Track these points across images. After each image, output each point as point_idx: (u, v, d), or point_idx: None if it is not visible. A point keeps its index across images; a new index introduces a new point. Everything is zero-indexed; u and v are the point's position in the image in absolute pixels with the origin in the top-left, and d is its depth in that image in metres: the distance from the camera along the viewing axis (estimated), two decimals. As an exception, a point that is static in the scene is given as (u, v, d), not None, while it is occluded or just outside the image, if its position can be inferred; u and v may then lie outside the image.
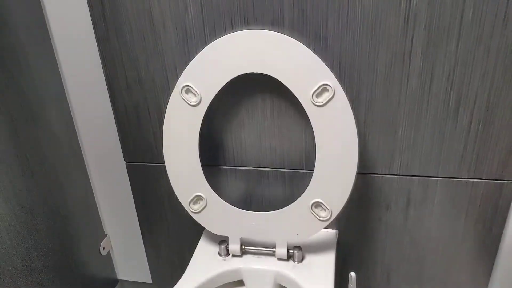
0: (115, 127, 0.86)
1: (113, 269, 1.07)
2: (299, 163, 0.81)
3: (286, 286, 0.77)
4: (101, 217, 0.99)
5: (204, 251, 0.83)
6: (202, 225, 0.79)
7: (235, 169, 0.84)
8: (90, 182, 0.94)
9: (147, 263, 1.04)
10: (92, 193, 0.95)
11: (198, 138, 0.73)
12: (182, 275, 0.78)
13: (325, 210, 0.73)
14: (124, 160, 0.89)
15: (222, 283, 0.79)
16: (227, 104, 0.78)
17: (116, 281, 1.10)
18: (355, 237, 0.87)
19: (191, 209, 0.78)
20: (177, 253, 1.00)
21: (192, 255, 0.82)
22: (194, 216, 0.79)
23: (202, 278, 0.76)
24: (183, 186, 0.77)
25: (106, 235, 1.02)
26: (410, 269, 0.88)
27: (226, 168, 0.84)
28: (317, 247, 0.81)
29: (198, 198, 0.77)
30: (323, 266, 0.77)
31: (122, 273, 1.09)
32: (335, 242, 0.83)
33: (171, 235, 0.97)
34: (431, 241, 0.83)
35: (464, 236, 0.82)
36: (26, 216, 0.76)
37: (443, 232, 0.82)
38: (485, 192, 0.77)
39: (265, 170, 0.83)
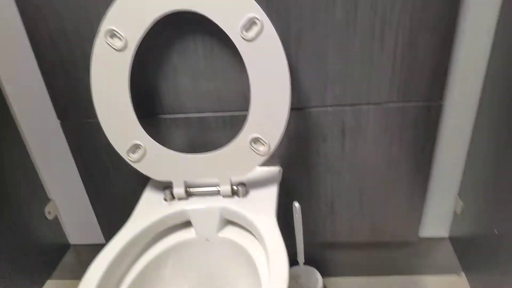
0: (44, 85, 0.82)
1: (63, 234, 1.06)
2: (239, 104, 0.82)
3: (233, 220, 0.80)
4: (42, 182, 0.96)
5: (149, 198, 0.83)
6: (143, 173, 0.79)
7: (174, 117, 0.83)
8: (26, 146, 0.90)
9: (97, 224, 1.03)
10: (29, 156, 0.92)
11: (128, 85, 0.71)
12: None
13: (264, 145, 0.74)
14: (58, 119, 0.85)
15: (167, 226, 0.80)
16: (157, 48, 0.76)
17: (67, 245, 1.08)
18: (297, 172, 0.90)
19: (130, 158, 0.78)
20: (127, 210, 0.99)
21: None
22: (134, 165, 0.78)
23: (146, 222, 0.76)
24: (119, 135, 0.76)
25: (50, 200, 0.99)
26: (351, 196, 0.93)
27: (165, 117, 0.83)
28: (261, 183, 0.83)
29: (136, 147, 0.77)
30: (266, 199, 0.80)
31: (73, 237, 1.07)
32: (278, 178, 0.86)
33: (118, 192, 0.96)
34: (368, 167, 0.88)
35: (399, 160, 0.87)
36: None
37: (379, 158, 0.87)
38: (415, 114, 0.82)
39: (205, 116, 0.83)
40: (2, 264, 0.82)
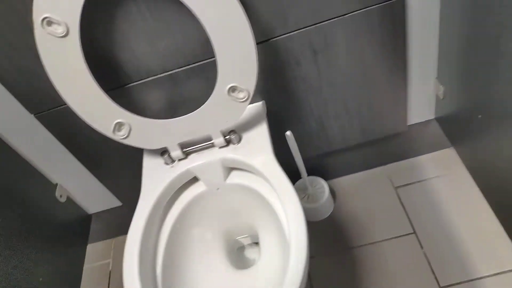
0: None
1: (81, 209, 1.12)
2: (203, 52, 0.79)
3: (235, 167, 0.84)
4: (41, 172, 0.98)
5: (151, 166, 0.86)
6: (135, 146, 0.81)
7: (144, 82, 0.82)
8: (11, 147, 0.91)
9: (109, 192, 1.08)
10: (18, 155, 0.93)
11: (87, 68, 0.69)
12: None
13: (242, 91, 0.74)
14: (31, 114, 0.84)
15: (178, 187, 0.84)
16: (101, 23, 0.71)
17: (89, 216, 1.15)
18: (280, 102, 0.91)
19: (118, 136, 0.78)
20: (130, 169, 1.02)
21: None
22: (124, 142, 0.80)
23: (158, 190, 0.81)
24: (98, 119, 0.75)
25: (56, 184, 1.03)
26: (337, 108, 0.95)
27: (136, 85, 0.82)
28: (250, 123, 0.85)
29: (119, 125, 0.77)
30: (259, 138, 0.83)
31: (92, 208, 1.14)
32: (264, 113, 0.87)
33: (116, 157, 0.97)
34: (346, 79, 0.89)
35: (375, 64, 0.87)
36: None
37: (355, 67, 0.87)
38: (380, 16, 0.79)
39: (173, 73, 0.81)
40: (43, 253, 0.89)
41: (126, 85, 0.82)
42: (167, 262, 0.80)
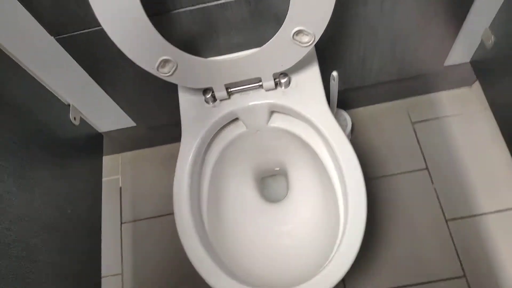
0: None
1: (93, 128, 1.04)
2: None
3: (282, 112, 0.79)
4: (54, 93, 0.88)
5: (190, 104, 0.79)
6: (179, 84, 0.73)
7: (190, 10, 0.70)
8: (26, 70, 0.79)
9: (122, 112, 1.01)
10: (33, 79, 0.81)
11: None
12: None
13: (308, 35, 0.66)
14: (51, 36, 0.71)
15: (219, 127, 0.80)
16: None
17: (101, 135, 1.09)
18: (329, 39, 0.82)
19: (162, 73, 0.70)
20: (148, 93, 0.95)
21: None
22: (168, 79, 0.71)
23: (202, 132, 0.76)
24: (143, 54, 0.66)
25: (69, 105, 0.93)
26: (385, 47, 0.89)
27: (180, 12, 0.70)
28: (300, 65, 0.77)
29: (165, 61, 0.68)
30: (311, 82, 0.77)
31: (104, 127, 1.07)
32: (314, 52, 0.80)
33: (137, 81, 0.89)
34: (406, 17, 0.81)
35: (439, 3, 0.79)
36: None
37: (416, 12, 0.79)
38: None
39: (223, 2, 0.69)
40: (61, 175, 0.85)
41: (169, 11, 0.69)
42: (210, 199, 0.80)
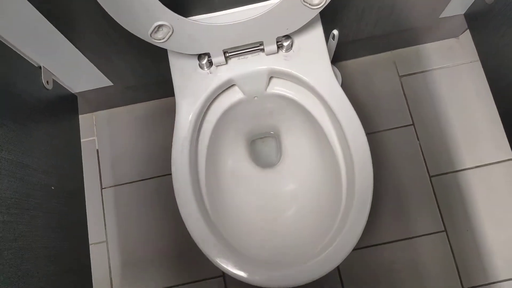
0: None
1: (66, 90, 0.94)
2: None
3: (283, 78, 0.74)
4: (22, 54, 0.77)
5: (183, 69, 0.71)
6: (174, 50, 0.65)
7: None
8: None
9: (99, 72, 0.91)
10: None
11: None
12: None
13: (319, -4, 0.60)
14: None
15: (215, 96, 0.74)
16: None
17: (74, 96, 0.99)
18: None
19: (155, 40, 0.62)
20: (130, 52, 0.86)
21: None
22: (162, 46, 0.63)
23: (198, 102, 0.70)
24: (134, 21, 0.57)
25: (40, 67, 0.83)
26: (385, 2, 0.84)
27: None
28: (303, 26, 0.72)
29: (159, 27, 0.60)
30: (314, 46, 0.72)
31: (77, 88, 0.97)
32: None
33: (116, 38, 0.79)
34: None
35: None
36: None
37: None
38: None
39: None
40: (39, 139, 0.77)
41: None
42: (208, 166, 0.76)
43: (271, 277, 0.64)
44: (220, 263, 0.65)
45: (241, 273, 0.64)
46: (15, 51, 0.75)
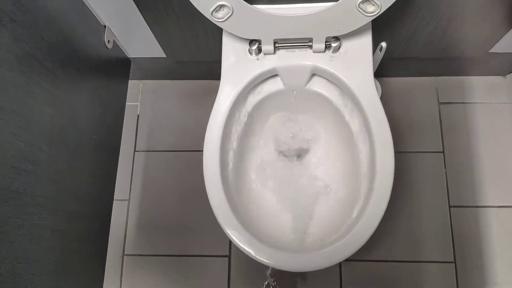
0: None
1: (123, 52, 1.02)
2: None
3: (325, 77, 0.78)
4: (93, 11, 0.84)
5: (233, 51, 0.77)
6: (229, 31, 0.70)
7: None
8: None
9: (157, 42, 0.98)
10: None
11: None
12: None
13: (374, 5, 0.64)
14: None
15: (258, 82, 0.78)
16: None
17: (128, 60, 1.06)
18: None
19: (215, 18, 0.67)
20: (190, 29, 0.92)
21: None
22: (219, 25, 0.69)
23: (243, 83, 0.75)
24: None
25: (105, 26, 0.90)
26: (441, 22, 0.86)
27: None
28: (354, 31, 0.75)
29: (221, 6, 0.65)
30: (360, 52, 0.75)
31: (133, 53, 1.04)
32: (370, 22, 0.76)
33: (180, 14, 0.85)
34: None
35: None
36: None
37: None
38: None
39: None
40: (87, 91, 0.84)
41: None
42: (239, 147, 0.81)
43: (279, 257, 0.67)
44: (232, 236, 0.68)
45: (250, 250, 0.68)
46: (87, 6, 0.82)
